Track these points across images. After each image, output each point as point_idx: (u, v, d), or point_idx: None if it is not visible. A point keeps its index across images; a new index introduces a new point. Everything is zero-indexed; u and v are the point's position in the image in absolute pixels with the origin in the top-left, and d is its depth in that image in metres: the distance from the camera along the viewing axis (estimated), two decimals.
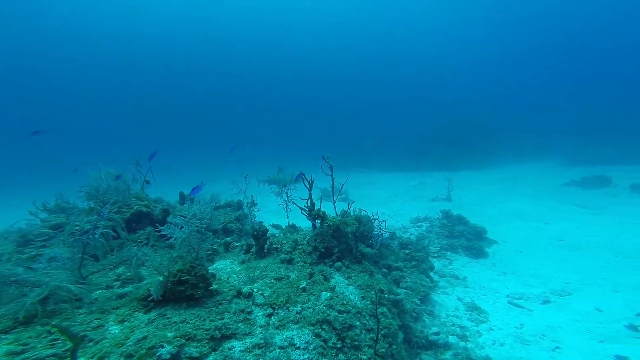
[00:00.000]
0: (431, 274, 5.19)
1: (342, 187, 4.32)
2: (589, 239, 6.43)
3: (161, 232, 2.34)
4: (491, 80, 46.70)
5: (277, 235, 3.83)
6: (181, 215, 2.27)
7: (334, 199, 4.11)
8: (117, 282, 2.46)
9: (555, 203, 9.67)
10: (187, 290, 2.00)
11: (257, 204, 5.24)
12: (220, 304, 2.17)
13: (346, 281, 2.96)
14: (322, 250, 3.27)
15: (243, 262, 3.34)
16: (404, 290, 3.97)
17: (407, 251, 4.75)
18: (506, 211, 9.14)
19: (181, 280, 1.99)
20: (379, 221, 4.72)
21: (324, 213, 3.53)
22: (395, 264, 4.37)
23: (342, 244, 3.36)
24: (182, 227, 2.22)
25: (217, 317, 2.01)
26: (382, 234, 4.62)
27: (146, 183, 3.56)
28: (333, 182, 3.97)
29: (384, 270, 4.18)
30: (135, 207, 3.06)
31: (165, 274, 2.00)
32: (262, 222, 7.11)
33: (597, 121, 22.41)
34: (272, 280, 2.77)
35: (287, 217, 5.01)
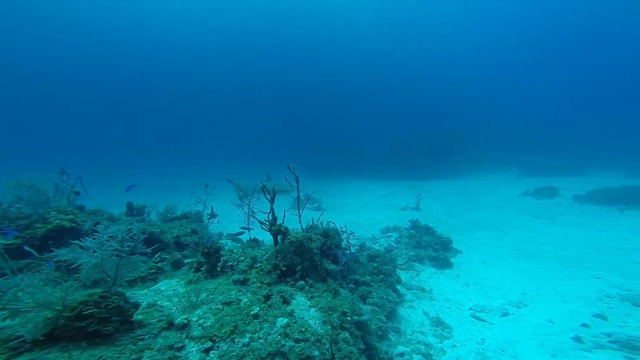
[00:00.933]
0: (399, 287, 5.11)
1: (307, 199, 4.10)
2: (542, 248, 6.82)
3: (56, 258, 1.92)
4: (460, 92, 49.83)
5: (235, 251, 3.49)
6: (95, 235, 1.86)
7: (299, 212, 3.86)
8: None
9: (513, 213, 10.28)
10: (92, 326, 1.62)
11: (217, 215, 4.84)
12: (142, 339, 1.80)
13: (308, 302, 2.72)
14: (284, 268, 3.01)
15: (190, 282, 2.95)
16: (371, 307, 3.82)
17: (375, 264, 4.63)
18: (470, 221, 9.52)
19: (82, 314, 1.60)
20: (348, 233, 4.57)
21: (285, 228, 3.27)
22: (362, 278, 4.22)
23: (306, 260, 3.12)
24: (94, 251, 1.83)
25: (132, 357, 1.64)
26: (350, 247, 4.46)
27: (74, 194, 3.04)
28: (299, 194, 3.73)
29: (352, 285, 4.01)
30: (55, 221, 2.56)
31: (57, 307, 1.59)
32: (222, 233, 6.66)
33: (549, 135, 24.74)
34: (219, 306, 2.43)
35: (249, 232, 4.68)
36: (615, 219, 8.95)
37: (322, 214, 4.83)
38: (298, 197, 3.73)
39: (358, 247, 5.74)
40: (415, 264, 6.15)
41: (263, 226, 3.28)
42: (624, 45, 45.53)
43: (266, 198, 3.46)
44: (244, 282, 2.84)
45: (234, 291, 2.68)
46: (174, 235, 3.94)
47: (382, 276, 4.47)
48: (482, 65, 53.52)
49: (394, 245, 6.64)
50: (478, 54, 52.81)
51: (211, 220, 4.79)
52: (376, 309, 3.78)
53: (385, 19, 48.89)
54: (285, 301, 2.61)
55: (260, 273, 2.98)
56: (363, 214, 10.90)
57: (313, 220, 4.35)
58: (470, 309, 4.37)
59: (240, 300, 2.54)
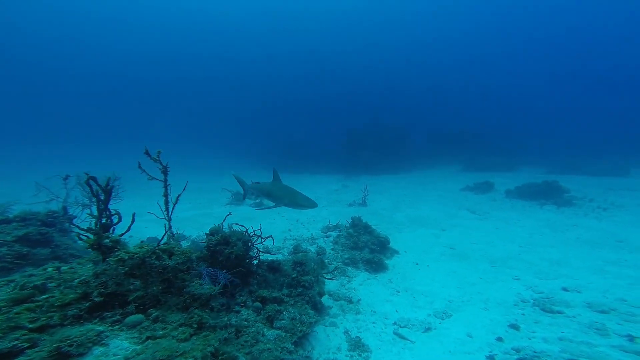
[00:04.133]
0: (325, 298, 4.62)
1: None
2: (473, 246, 6.94)
3: None
4: (411, 88, 52.11)
5: (49, 270, 2.42)
6: None
7: (169, 215, 3.02)
8: None
9: (452, 208, 10.62)
10: None
11: (75, 217, 3.76)
12: None
13: (134, 347, 1.82)
14: (98, 298, 2.02)
15: None
16: (277, 332, 3.21)
17: (294, 275, 4.02)
18: (412, 217, 9.55)
19: None
20: (262, 238, 3.88)
21: (115, 241, 2.35)
22: (273, 294, 3.55)
23: (152, 284, 2.26)
24: None
25: None
26: (258, 255, 3.78)
27: None
28: (166, 189, 2.87)
29: (257, 304, 3.33)
30: None
31: None
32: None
33: (489, 132, 26.90)
34: None
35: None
36: (535, 214, 9.69)
37: (229, 214, 4.06)
38: (165, 194, 2.87)
39: (282, 254, 5.13)
40: (349, 268, 5.74)
41: (80, 238, 2.35)
42: (555, 44, 51.43)
43: (93, 194, 2.54)
44: None
45: None
46: None
47: (300, 289, 3.88)
48: (432, 64, 56.41)
49: (323, 250, 6.14)
50: (427, 52, 55.49)
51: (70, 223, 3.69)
52: (283, 334, 3.17)
53: (332, 9, 48.99)
54: (67, 357, 1.64)
55: (50, 309, 1.91)
56: (309, 210, 10.32)
57: (224, 224, 3.54)
58: (395, 323, 4.03)
59: None
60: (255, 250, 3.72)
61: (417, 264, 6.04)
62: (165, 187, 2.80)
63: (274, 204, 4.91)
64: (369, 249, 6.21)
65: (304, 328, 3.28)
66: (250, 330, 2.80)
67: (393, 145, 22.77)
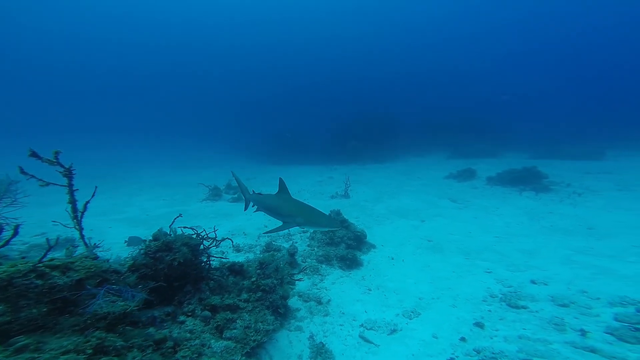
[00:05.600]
0: (294, 299, 4.51)
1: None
2: (450, 238, 6.93)
3: None
4: (401, 76, 51.76)
5: None
6: None
7: (79, 225, 2.77)
8: None
9: (434, 197, 10.62)
10: None
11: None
12: None
13: None
14: None
15: None
16: (226, 343, 3.05)
17: (254, 278, 3.85)
18: (393, 208, 9.50)
19: None
20: (216, 241, 3.66)
21: None
22: (226, 301, 3.35)
23: (29, 307, 1.91)
24: None
25: None
26: (209, 260, 3.58)
27: None
28: (72, 195, 2.61)
29: (206, 313, 3.14)
30: None
31: None
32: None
33: (475, 118, 26.99)
34: None
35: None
36: (514, 201, 9.79)
37: (179, 216, 3.81)
38: (72, 200, 2.61)
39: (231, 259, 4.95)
40: (323, 265, 5.63)
41: None
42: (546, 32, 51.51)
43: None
44: None
45: None
46: None
47: (260, 294, 3.71)
48: (419, 51, 55.91)
49: (295, 248, 6.00)
50: (414, 40, 54.94)
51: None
52: (232, 345, 3.01)
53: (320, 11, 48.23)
54: None
55: None
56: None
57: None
58: (362, 325, 3.95)
59: None
60: (213, 253, 3.53)
61: (392, 259, 5.99)
62: (71, 192, 2.52)
63: (283, 223, 3.94)
64: (345, 245, 6.10)
65: (259, 337, 3.14)
66: (192, 343, 2.64)
67: (381, 134, 22.61)
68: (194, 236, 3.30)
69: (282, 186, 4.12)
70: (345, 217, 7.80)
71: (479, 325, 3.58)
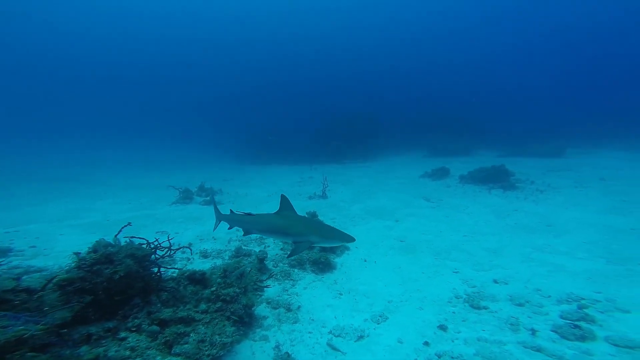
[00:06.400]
0: (262, 307, 4.42)
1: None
2: (422, 237, 7.10)
3: None
4: (384, 76, 52.56)
5: None
6: None
7: None
8: None
9: (409, 197, 10.86)
10: None
11: None
12: None
13: None
14: None
15: None
16: (175, 359, 2.90)
17: (214, 287, 3.70)
18: (369, 208, 9.61)
19: None
20: (171, 250, 3.49)
21: None
22: (179, 313, 3.17)
23: None
24: None
25: None
26: (160, 270, 3.40)
27: None
28: None
29: (154, 327, 2.97)
30: None
31: None
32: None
33: (451, 118, 27.93)
34: None
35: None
36: (484, 199, 10.22)
37: (128, 224, 3.59)
38: None
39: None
40: (295, 270, 5.57)
41: None
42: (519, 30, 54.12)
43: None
44: None
45: None
46: None
47: (220, 304, 3.56)
48: (400, 51, 57.07)
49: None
50: (395, 39, 56.05)
51: None
52: None
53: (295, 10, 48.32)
54: None
55: None
56: (265, 205, 9.98)
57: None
58: (330, 332, 3.94)
59: None
60: (171, 262, 3.36)
61: (365, 261, 6.03)
62: None
63: (295, 244, 3.52)
64: (318, 248, 6.07)
65: (215, 351, 3.01)
66: None
67: (363, 133, 22.83)
68: (144, 246, 3.11)
69: (285, 204, 3.75)
70: (321, 218, 7.77)
71: (443, 328, 3.68)
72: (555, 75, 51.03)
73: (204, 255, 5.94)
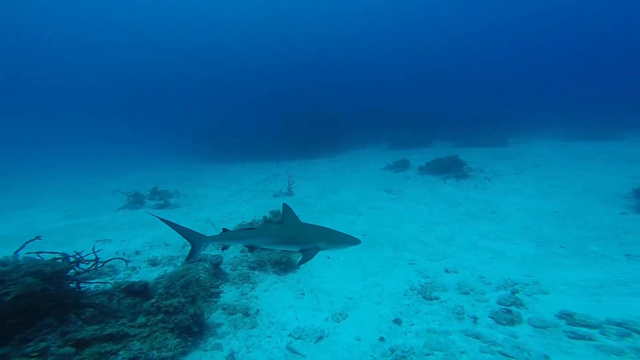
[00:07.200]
0: (216, 313, 4.25)
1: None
2: (382, 230, 7.35)
3: None
4: (348, 68, 53.04)
5: None
6: None
7: None
8: None
9: (372, 190, 11.17)
10: None
11: None
12: None
13: None
14: None
15: None
16: None
17: (154, 299, 3.43)
18: (334, 203, 9.70)
19: None
20: (98, 262, 3.14)
21: None
22: (107, 330, 2.85)
23: None
24: None
25: None
26: (78, 285, 3.06)
27: None
28: None
29: (67, 350, 2.63)
30: None
31: None
32: None
33: (412, 111, 29.16)
34: None
35: None
36: (440, 189, 10.89)
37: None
38: None
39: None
40: (255, 272, 5.43)
41: None
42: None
43: None
44: None
45: None
46: None
47: (161, 316, 3.32)
48: (363, 44, 57.89)
49: (219, 258, 5.68)
50: (358, 32, 56.72)
51: None
52: None
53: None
54: None
55: None
56: (226, 206, 9.56)
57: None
58: (290, 335, 3.91)
59: None
60: (92, 276, 3.02)
61: (328, 258, 6.08)
62: None
63: (303, 253, 3.40)
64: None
65: None
66: None
67: (331, 128, 22.85)
68: (60, 260, 2.74)
69: (288, 213, 3.64)
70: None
71: (397, 322, 3.84)
72: (502, 67, 55.63)
73: (153, 263, 5.51)
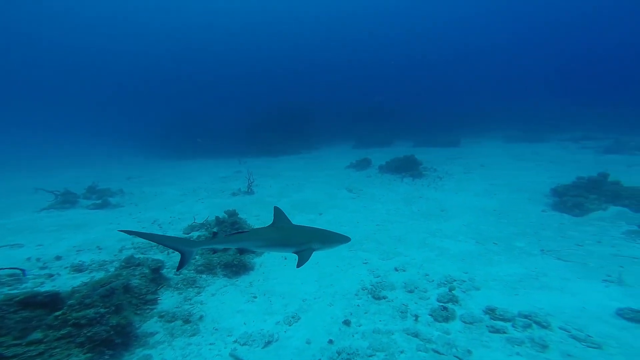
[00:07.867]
0: (152, 321, 3.95)
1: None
2: (341, 229, 7.42)
3: None
4: (317, 69, 52.96)
5: None
6: None
7: None
8: None
9: (334, 188, 11.30)
10: None
11: None
12: None
13: None
14: None
15: None
16: None
17: (58, 312, 3.03)
18: (295, 202, 9.62)
19: None
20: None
21: None
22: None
23: None
24: None
25: None
26: None
27: None
28: None
29: None
30: None
31: None
32: None
33: (375, 112, 30.08)
34: None
35: None
36: (397, 187, 11.41)
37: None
38: None
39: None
40: (203, 276, 5.15)
41: None
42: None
43: None
44: None
45: None
46: None
47: (69, 329, 2.98)
48: (335, 42, 58.09)
49: (142, 260, 5.33)
50: (329, 29, 56.85)
51: None
52: None
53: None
54: None
55: None
56: (177, 205, 8.93)
57: None
58: (236, 341, 3.77)
59: None
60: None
61: (285, 259, 6.00)
62: None
63: (298, 255, 3.19)
64: (234, 250, 5.73)
65: None
66: None
67: (298, 126, 22.56)
68: None
69: (280, 215, 3.49)
70: (243, 216, 7.37)
71: (347, 323, 3.92)
72: (458, 69, 59.70)
73: (77, 269, 4.91)
